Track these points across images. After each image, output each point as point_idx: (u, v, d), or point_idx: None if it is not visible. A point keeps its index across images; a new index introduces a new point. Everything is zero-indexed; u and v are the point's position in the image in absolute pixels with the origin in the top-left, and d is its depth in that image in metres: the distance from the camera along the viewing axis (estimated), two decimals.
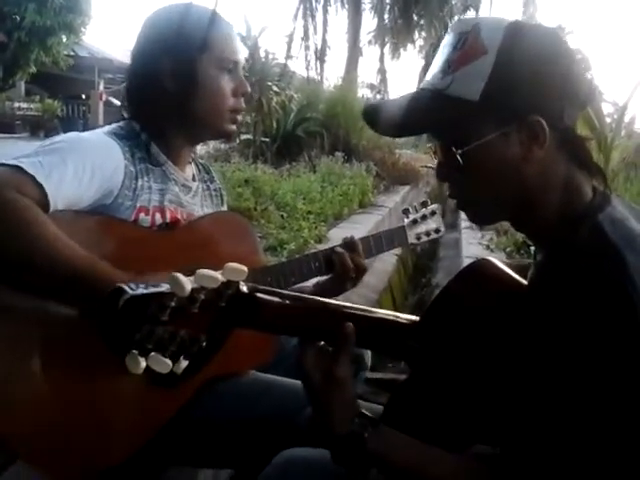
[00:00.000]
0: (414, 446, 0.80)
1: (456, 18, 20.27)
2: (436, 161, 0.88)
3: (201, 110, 1.25)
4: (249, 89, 1.31)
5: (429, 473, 0.79)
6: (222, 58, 1.25)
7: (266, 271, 1.31)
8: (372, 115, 0.88)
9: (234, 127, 1.30)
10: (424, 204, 1.62)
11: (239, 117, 1.30)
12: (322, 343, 0.83)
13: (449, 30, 0.85)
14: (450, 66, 0.81)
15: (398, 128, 0.87)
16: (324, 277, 1.43)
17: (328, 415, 0.80)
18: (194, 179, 1.37)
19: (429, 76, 0.84)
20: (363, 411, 0.82)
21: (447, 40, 0.84)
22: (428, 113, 0.82)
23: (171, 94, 1.22)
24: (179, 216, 1.27)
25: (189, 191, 1.33)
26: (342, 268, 1.38)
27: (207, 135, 1.35)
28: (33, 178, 0.99)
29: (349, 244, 1.41)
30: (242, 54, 1.31)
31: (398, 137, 0.93)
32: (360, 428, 0.79)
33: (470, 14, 21.07)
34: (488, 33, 0.79)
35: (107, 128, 1.25)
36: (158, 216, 1.22)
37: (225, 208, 1.51)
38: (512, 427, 0.75)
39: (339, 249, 1.40)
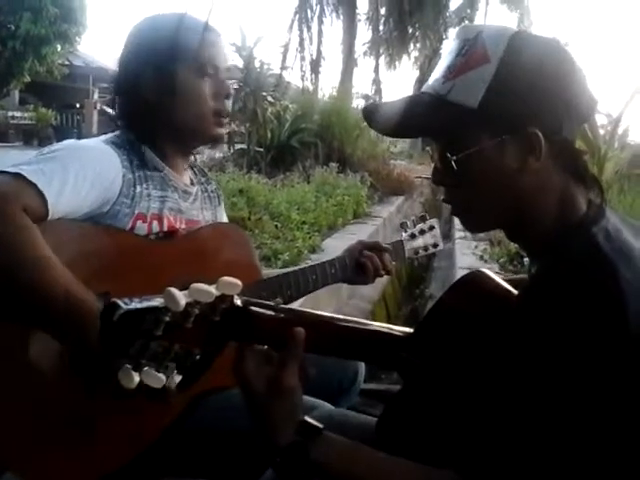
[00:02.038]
0: (360, 453, 0.78)
1: (451, 30, 20.42)
2: (432, 166, 0.88)
3: (183, 118, 1.25)
4: (231, 90, 1.30)
5: None
6: (200, 63, 1.24)
7: (260, 286, 1.31)
8: (371, 114, 0.89)
9: (222, 130, 1.30)
10: (422, 218, 1.64)
11: (225, 119, 1.29)
12: (266, 347, 0.80)
13: (454, 36, 0.86)
14: (452, 72, 0.81)
15: (396, 129, 0.88)
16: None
17: (271, 425, 0.78)
18: (192, 183, 1.38)
19: (431, 81, 0.85)
20: (306, 419, 0.80)
21: (451, 46, 0.84)
22: (426, 117, 0.83)
23: (152, 105, 1.23)
24: (177, 224, 1.27)
25: (189, 196, 1.34)
26: (374, 269, 1.49)
27: (196, 141, 1.34)
28: (34, 186, 0.99)
29: (373, 246, 1.51)
30: (226, 59, 1.30)
31: (395, 137, 0.93)
32: (302, 437, 0.77)
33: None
34: (491, 42, 0.80)
35: (105, 137, 1.25)
36: (155, 224, 1.22)
37: (223, 208, 1.52)
38: (503, 439, 0.74)
39: (367, 252, 1.48)
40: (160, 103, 1.23)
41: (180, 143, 1.30)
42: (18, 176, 1.00)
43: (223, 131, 1.30)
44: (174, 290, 0.66)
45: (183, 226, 1.29)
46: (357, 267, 1.48)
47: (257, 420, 0.80)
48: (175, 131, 1.27)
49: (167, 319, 0.67)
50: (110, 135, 1.26)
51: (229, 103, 1.30)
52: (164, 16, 1.30)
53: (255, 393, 0.78)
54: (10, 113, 19.86)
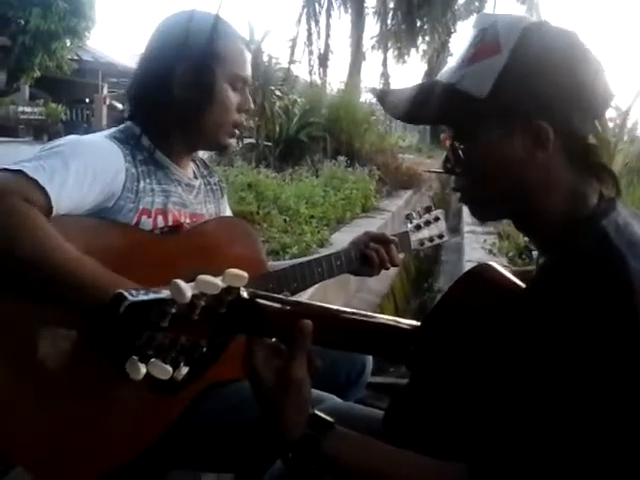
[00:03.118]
0: (372, 447, 0.78)
1: (459, 23, 20.30)
2: (445, 153, 0.89)
3: (206, 121, 1.26)
4: (252, 106, 1.32)
5: (389, 474, 0.76)
6: (234, 74, 1.26)
7: (267, 279, 1.31)
8: (385, 96, 0.89)
9: (231, 141, 1.31)
10: (428, 209, 1.64)
11: (236, 131, 1.31)
12: (274, 340, 0.80)
13: (472, 24, 0.86)
14: (464, 61, 0.82)
15: (407, 114, 0.88)
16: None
17: (281, 418, 0.78)
18: (195, 177, 1.38)
19: (445, 69, 0.86)
20: (316, 412, 0.79)
21: (468, 35, 0.84)
22: (436, 104, 0.83)
23: (180, 102, 1.22)
24: (182, 219, 1.27)
25: (192, 190, 1.34)
26: (381, 261, 1.48)
27: (204, 145, 1.35)
28: (36, 182, 1.00)
29: (379, 238, 1.50)
30: (249, 69, 1.32)
31: (406, 122, 0.94)
32: (314, 431, 0.77)
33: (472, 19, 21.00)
34: (504, 32, 0.79)
35: (107, 132, 1.26)
36: (160, 219, 1.22)
37: (225, 200, 1.52)
38: (510, 433, 0.74)
39: (373, 244, 1.47)
40: (189, 101, 1.22)
41: (189, 143, 1.31)
42: (19, 173, 1.00)
43: (231, 141, 1.31)
44: (180, 282, 0.66)
45: (187, 220, 1.29)
46: (363, 259, 1.48)
47: (266, 413, 0.79)
48: (190, 131, 1.27)
49: (173, 311, 0.68)
50: (113, 130, 1.26)
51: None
52: (199, 14, 1.28)
53: (264, 386, 0.78)
54: (20, 108, 19.92)
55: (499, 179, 0.82)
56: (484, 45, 0.80)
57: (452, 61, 0.85)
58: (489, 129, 0.80)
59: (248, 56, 1.32)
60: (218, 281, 0.70)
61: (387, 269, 1.52)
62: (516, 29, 0.79)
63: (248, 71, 1.31)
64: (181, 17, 1.28)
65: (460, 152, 0.82)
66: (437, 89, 0.84)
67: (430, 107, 0.84)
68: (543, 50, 0.78)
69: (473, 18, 0.89)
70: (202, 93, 1.23)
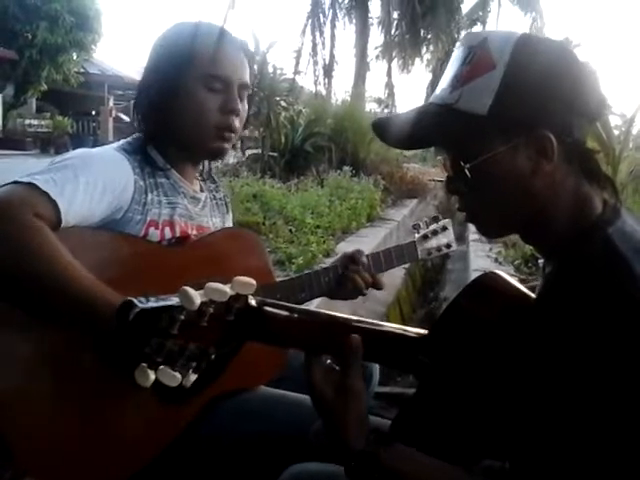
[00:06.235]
0: (429, 463, 0.78)
1: (463, 32, 20.31)
2: (445, 174, 0.88)
3: (182, 126, 1.25)
4: (238, 106, 1.26)
5: None
6: (207, 74, 1.23)
7: (275, 288, 1.31)
8: (382, 128, 0.89)
9: (223, 145, 1.27)
10: (435, 219, 1.63)
11: (228, 134, 1.27)
12: (329, 361, 0.82)
13: (458, 44, 0.86)
14: (459, 80, 0.81)
15: (407, 141, 0.88)
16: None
17: (343, 431, 0.79)
18: (202, 190, 1.38)
19: (438, 90, 0.85)
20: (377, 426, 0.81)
21: (456, 54, 0.84)
22: (436, 127, 0.83)
23: (157, 109, 1.24)
24: (189, 230, 1.28)
25: (198, 203, 1.34)
26: (355, 288, 1.41)
27: (196, 152, 1.31)
28: (47, 195, 1.01)
29: (353, 259, 1.43)
30: (241, 71, 1.28)
31: (407, 150, 0.94)
32: (374, 444, 0.78)
33: (477, 28, 21.11)
34: (497, 47, 0.80)
35: (117, 144, 1.27)
36: (167, 230, 1.23)
37: (230, 215, 1.52)
38: (521, 442, 0.74)
39: (354, 267, 1.41)
40: (162, 107, 1.24)
41: (183, 150, 1.29)
42: (31, 185, 1.01)
43: (225, 145, 1.28)
44: (189, 289, 0.67)
45: (194, 232, 1.29)
46: (339, 283, 1.43)
47: (329, 426, 0.81)
48: (175, 138, 1.27)
49: (182, 318, 0.68)
50: (122, 141, 1.27)
51: (238, 120, 1.27)
52: (184, 24, 1.30)
53: (326, 401, 0.80)
54: (27, 121, 20.09)
55: (507, 193, 0.82)
56: (477, 62, 0.80)
57: (444, 82, 0.84)
58: (493, 145, 0.80)
59: (229, 55, 1.26)
60: (226, 288, 0.70)
61: (364, 295, 1.44)
62: (508, 43, 0.79)
63: (227, 70, 1.25)
64: (169, 29, 1.30)
65: (466, 171, 0.81)
66: (434, 112, 0.83)
67: (429, 131, 0.84)
68: (538, 61, 0.79)
69: (462, 35, 0.89)
70: (170, 97, 1.23)
